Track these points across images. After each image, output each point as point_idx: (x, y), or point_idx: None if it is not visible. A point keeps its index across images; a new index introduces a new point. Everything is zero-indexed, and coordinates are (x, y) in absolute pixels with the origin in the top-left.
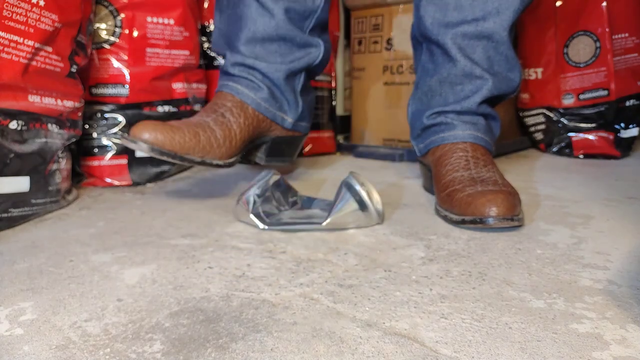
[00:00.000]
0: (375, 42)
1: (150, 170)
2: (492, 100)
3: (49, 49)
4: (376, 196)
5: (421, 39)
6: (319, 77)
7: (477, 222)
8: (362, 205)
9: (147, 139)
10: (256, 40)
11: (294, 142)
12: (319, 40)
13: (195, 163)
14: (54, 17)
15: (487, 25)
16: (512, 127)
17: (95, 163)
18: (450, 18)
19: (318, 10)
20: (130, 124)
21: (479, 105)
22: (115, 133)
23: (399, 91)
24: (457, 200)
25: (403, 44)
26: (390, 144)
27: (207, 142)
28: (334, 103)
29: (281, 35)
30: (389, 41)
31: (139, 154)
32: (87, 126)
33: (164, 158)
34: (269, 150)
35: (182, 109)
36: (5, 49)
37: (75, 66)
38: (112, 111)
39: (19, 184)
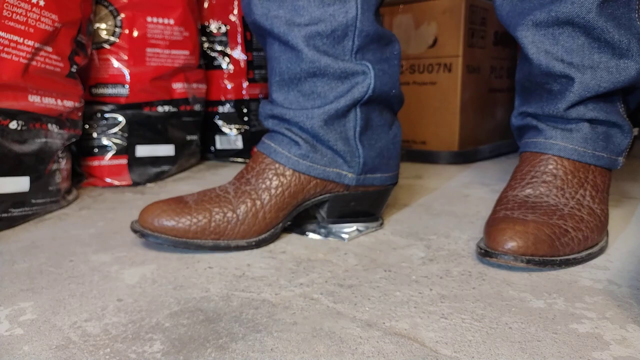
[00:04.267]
0: None
1: (150, 170)
2: (604, 98)
3: (49, 49)
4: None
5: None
6: None
7: (486, 254)
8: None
9: (153, 228)
10: (286, 83)
11: (367, 198)
12: (366, 64)
13: (206, 249)
14: (54, 17)
15: (562, 9)
16: None
17: (95, 163)
18: (523, 5)
19: (356, 23)
20: (130, 123)
21: (568, 110)
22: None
23: None
24: (485, 226)
25: (403, 43)
26: None
27: (221, 220)
28: None
29: (308, 71)
30: None
31: (139, 153)
32: (87, 126)
33: (173, 246)
34: (331, 210)
35: (182, 109)
36: (5, 49)
37: (75, 66)
38: (112, 111)
39: (19, 184)
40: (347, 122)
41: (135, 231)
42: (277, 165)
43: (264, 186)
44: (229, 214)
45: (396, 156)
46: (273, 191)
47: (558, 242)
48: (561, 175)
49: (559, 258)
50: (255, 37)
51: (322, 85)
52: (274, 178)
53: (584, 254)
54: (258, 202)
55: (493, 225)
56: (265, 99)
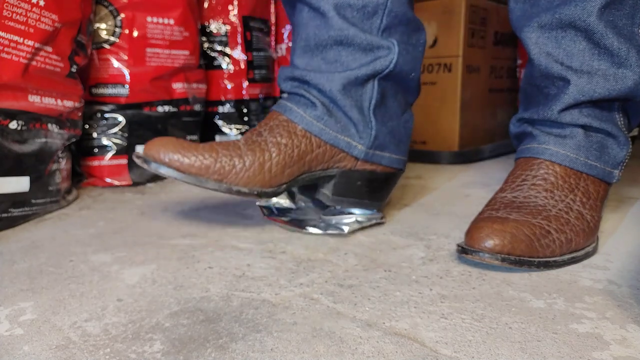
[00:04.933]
0: None
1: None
2: (600, 105)
3: (49, 49)
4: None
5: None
6: None
7: (462, 252)
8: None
9: (157, 158)
10: (310, 48)
11: (374, 179)
12: (392, 40)
13: (209, 187)
14: (54, 17)
15: (565, 11)
16: None
17: (95, 163)
18: (532, 9)
19: (387, 3)
20: (130, 123)
21: (562, 113)
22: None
23: None
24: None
25: None
26: None
27: (227, 163)
28: None
29: (335, 38)
30: None
31: None
32: (87, 126)
33: (176, 177)
34: (337, 187)
35: (182, 109)
36: (5, 49)
37: (75, 66)
38: (112, 111)
39: (19, 184)
40: (364, 93)
41: (138, 157)
42: (290, 124)
43: (274, 140)
44: (236, 159)
45: (406, 141)
46: (282, 147)
47: (537, 243)
48: (552, 180)
49: (537, 259)
50: (284, 5)
51: (347, 54)
52: (285, 134)
53: (566, 257)
54: (267, 154)
55: (473, 223)
56: (283, 66)
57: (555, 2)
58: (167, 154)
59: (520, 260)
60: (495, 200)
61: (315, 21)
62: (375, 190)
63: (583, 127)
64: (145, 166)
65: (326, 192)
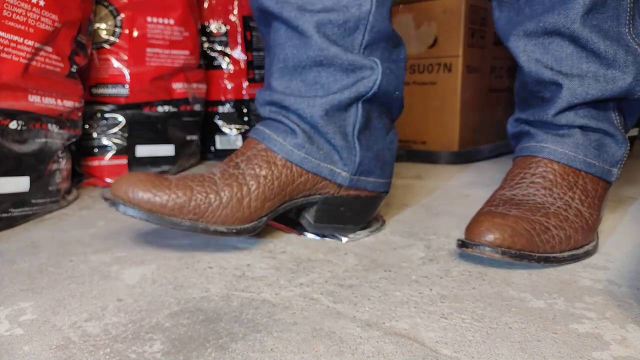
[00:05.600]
0: None
1: (150, 170)
2: (595, 106)
3: (49, 49)
4: None
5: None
6: None
7: (462, 245)
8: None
9: (126, 198)
10: (288, 70)
11: (358, 204)
12: (374, 60)
13: (183, 228)
14: (54, 17)
15: (549, 19)
16: None
17: (95, 163)
18: (517, 17)
19: (369, 17)
20: (130, 123)
21: (557, 116)
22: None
23: None
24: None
25: None
26: None
27: (202, 200)
28: None
29: (315, 58)
30: None
31: (139, 153)
32: (87, 126)
33: (147, 220)
34: (320, 214)
35: (182, 109)
36: (5, 49)
37: (75, 66)
38: (112, 111)
39: (19, 184)
40: (347, 117)
41: (106, 199)
42: (269, 153)
43: (252, 173)
44: (212, 196)
45: (391, 163)
46: (262, 179)
47: (537, 238)
48: (550, 178)
49: (537, 254)
50: (257, 24)
51: (327, 75)
52: (265, 165)
53: (566, 254)
54: (245, 188)
55: (473, 218)
56: (261, 88)
57: (538, 10)
58: (137, 193)
59: (520, 254)
60: (494, 197)
61: (293, 40)
62: (359, 214)
63: (580, 127)
64: (113, 208)
65: (308, 218)
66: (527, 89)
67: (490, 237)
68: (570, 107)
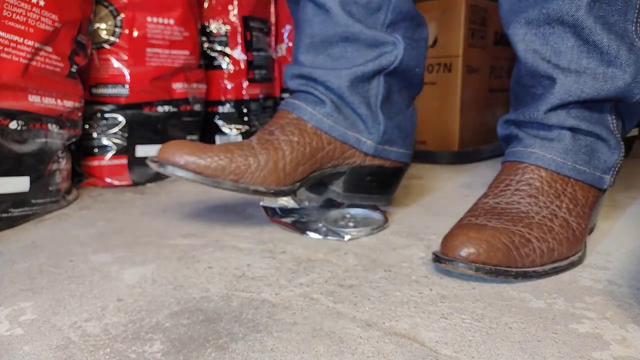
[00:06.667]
0: None
1: (150, 170)
2: (589, 107)
3: (49, 49)
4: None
5: None
6: None
7: (436, 260)
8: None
9: (173, 161)
10: (315, 45)
11: (383, 173)
12: (396, 36)
13: (226, 188)
14: (54, 17)
15: (553, 6)
16: None
17: (95, 163)
18: (520, 4)
19: None
20: (130, 123)
21: (548, 113)
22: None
23: None
24: None
25: None
26: None
27: (242, 163)
28: None
29: (341, 34)
30: None
31: (139, 153)
32: (87, 126)
33: (192, 179)
34: (348, 184)
35: (182, 109)
36: (5, 49)
37: (75, 66)
38: (112, 111)
39: (19, 184)
40: (370, 88)
41: (153, 161)
42: (300, 121)
43: (286, 139)
44: (251, 159)
45: (411, 135)
46: (295, 145)
47: (516, 252)
48: (537, 185)
49: (515, 269)
50: (287, 2)
51: (352, 50)
52: (297, 132)
53: (548, 267)
54: (280, 152)
55: (449, 231)
56: (288, 64)
57: None
58: (183, 157)
59: (496, 270)
60: (476, 206)
61: (319, 17)
62: (384, 184)
63: (571, 129)
64: (161, 170)
65: (336, 189)
66: (521, 82)
67: (464, 252)
68: (563, 105)
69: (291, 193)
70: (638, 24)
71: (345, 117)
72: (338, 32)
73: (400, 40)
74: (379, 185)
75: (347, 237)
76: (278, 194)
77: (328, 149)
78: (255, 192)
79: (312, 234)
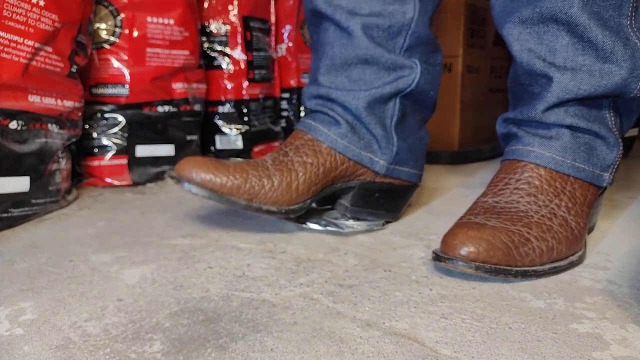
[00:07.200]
0: None
1: (150, 170)
2: (587, 104)
3: (49, 49)
4: None
5: None
6: None
7: (436, 258)
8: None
9: (190, 177)
10: (335, 67)
11: (392, 191)
12: (414, 60)
13: (239, 206)
14: (54, 17)
15: (546, 4)
16: None
17: (95, 163)
18: (512, 4)
19: (411, 24)
20: (130, 123)
21: (546, 112)
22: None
23: None
24: None
25: None
26: None
27: (257, 183)
28: None
29: (361, 57)
30: None
31: (139, 153)
32: (87, 126)
33: (208, 197)
34: (356, 198)
35: (182, 109)
36: (5, 49)
37: (75, 66)
38: (112, 111)
39: (19, 184)
40: (386, 110)
41: (172, 177)
42: (315, 142)
43: (300, 160)
44: (265, 180)
45: (422, 157)
46: (309, 166)
47: (516, 251)
48: (536, 184)
49: (514, 268)
50: (307, 24)
51: (371, 73)
52: (311, 153)
53: (547, 267)
54: (293, 174)
55: (449, 229)
56: (307, 85)
57: None
58: (200, 174)
59: (496, 269)
60: (476, 205)
61: (341, 40)
62: (392, 202)
63: (569, 127)
64: (178, 185)
65: (344, 202)
66: (518, 81)
67: (464, 251)
68: (561, 103)
69: (302, 211)
70: (633, 19)
71: (360, 138)
72: (358, 54)
73: (417, 64)
74: (387, 202)
75: (346, 229)
76: (289, 212)
77: (341, 169)
78: (268, 211)
79: (312, 225)
